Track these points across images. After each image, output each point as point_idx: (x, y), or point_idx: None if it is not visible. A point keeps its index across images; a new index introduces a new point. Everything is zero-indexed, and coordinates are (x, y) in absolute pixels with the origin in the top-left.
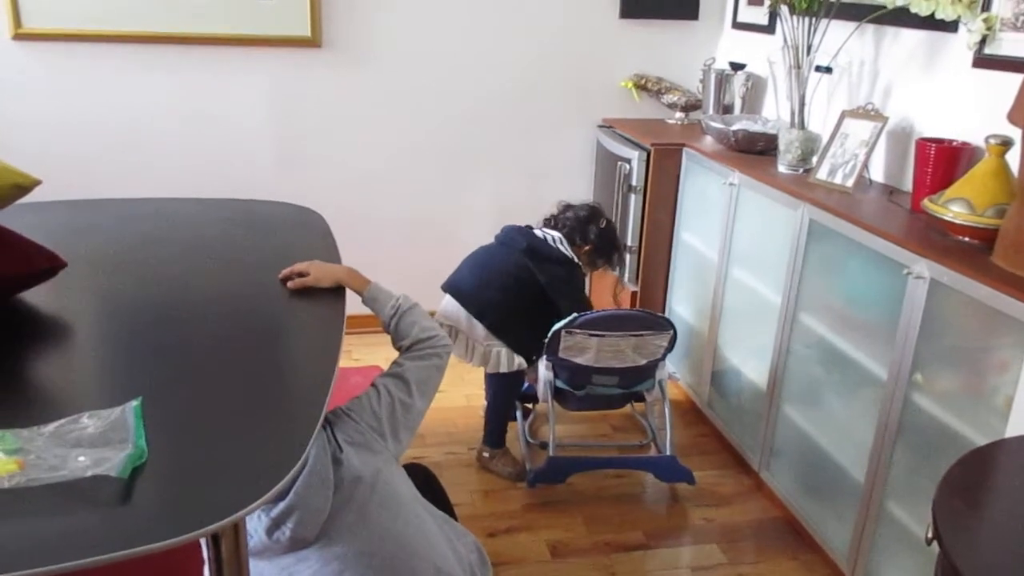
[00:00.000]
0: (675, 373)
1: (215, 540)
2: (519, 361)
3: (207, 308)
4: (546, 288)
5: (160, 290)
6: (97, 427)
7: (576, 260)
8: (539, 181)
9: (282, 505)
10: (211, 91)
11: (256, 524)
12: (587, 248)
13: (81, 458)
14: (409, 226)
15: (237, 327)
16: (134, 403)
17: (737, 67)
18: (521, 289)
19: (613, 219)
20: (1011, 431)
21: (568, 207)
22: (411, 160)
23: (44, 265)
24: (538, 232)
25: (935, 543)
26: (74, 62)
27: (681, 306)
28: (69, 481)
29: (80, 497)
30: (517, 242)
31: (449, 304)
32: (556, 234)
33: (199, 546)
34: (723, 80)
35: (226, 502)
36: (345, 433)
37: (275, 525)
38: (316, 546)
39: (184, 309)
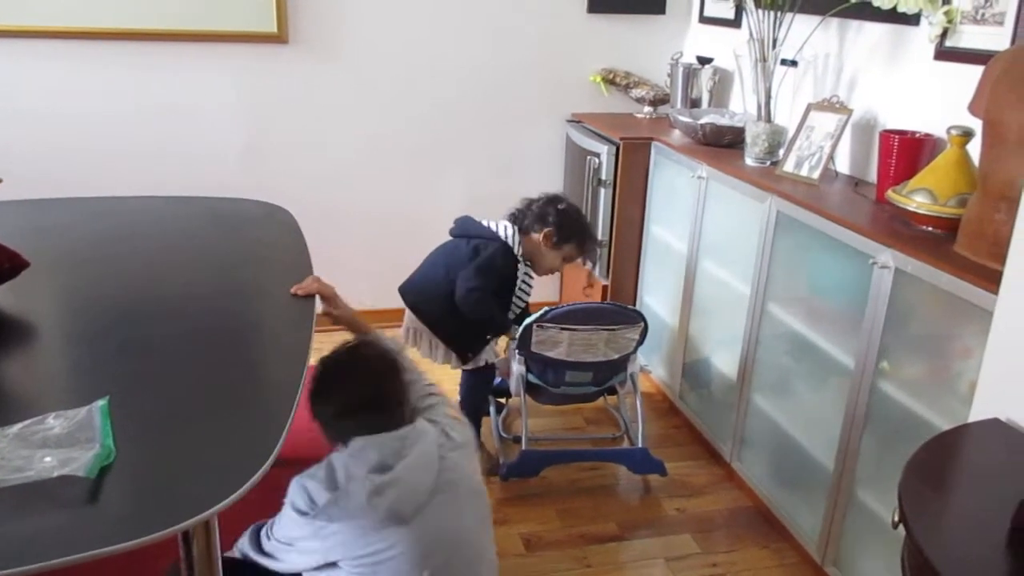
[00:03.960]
0: (647, 366)
1: (186, 538)
2: (486, 358)
3: (174, 306)
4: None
5: (126, 288)
6: (63, 427)
7: (503, 239)
8: (509, 176)
9: (387, 476)
10: (177, 88)
11: (359, 486)
12: (548, 231)
13: (47, 459)
14: (379, 221)
15: (206, 325)
16: (101, 402)
17: (704, 61)
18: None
19: (584, 213)
20: (974, 416)
21: (531, 201)
22: (380, 155)
23: (5, 265)
24: (484, 220)
25: (901, 526)
26: (36, 59)
27: (652, 299)
28: (35, 482)
29: (47, 498)
30: (457, 228)
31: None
32: (504, 222)
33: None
34: (690, 74)
35: (196, 500)
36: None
37: (377, 492)
38: (407, 527)
39: (151, 307)
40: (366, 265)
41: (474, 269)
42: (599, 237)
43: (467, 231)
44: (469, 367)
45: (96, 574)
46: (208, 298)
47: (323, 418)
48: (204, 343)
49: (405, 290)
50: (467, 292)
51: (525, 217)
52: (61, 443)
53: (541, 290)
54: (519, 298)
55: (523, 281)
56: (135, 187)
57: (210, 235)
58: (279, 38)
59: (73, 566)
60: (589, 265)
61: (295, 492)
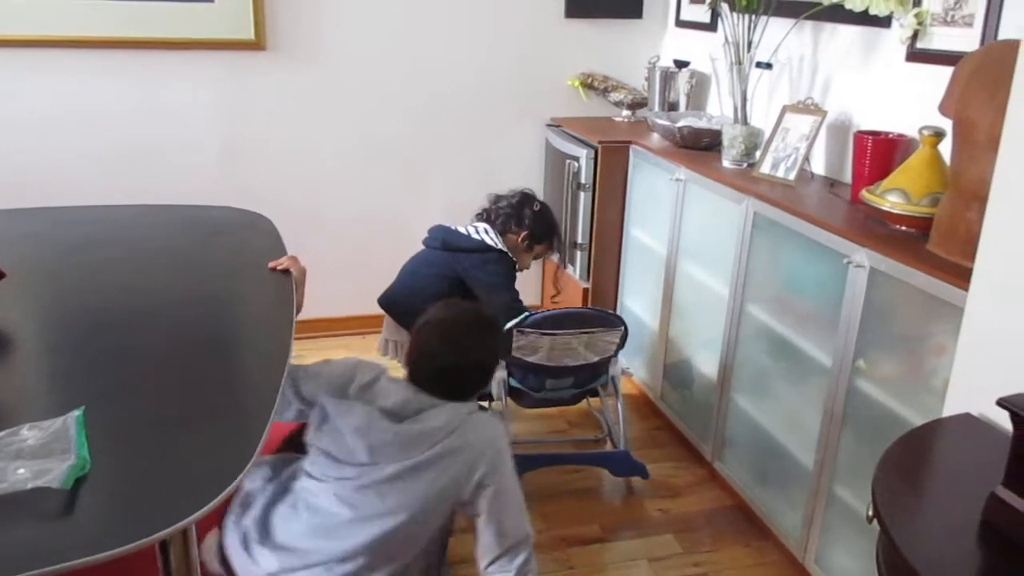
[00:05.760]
0: (628, 368)
1: (164, 548)
2: None
3: (152, 316)
4: (464, 279)
5: (103, 298)
6: (38, 439)
7: (499, 247)
8: (490, 181)
9: (391, 427)
10: (154, 96)
11: (359, 412)
12: (524, 234)
13: (21, 471)
14: (360, 228)
15: (184, 334)
16: (76, 413)
17: (681, 64)
18: (450, 289)
19: (563, 217)
20: (947, 411)
21: (499, 198)
22: (361, 162)
23: None
24: (461, 227)
25: (876, 521)
26: (11, 68)
27: (633, 302)
28: (9, 494)
29: (21, 510)
30: (435, 240)
31: (389, 318)
32: (483, 225)
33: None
34: (668, 77)
35: (173, 509)
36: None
37: (368, 427)
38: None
39: (129, 317)
40: (347, 271)
41: (504, 288)
42: (579, 241)
43: (451, 244)
44: None
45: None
46: (186, 307)
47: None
48: (182, 352)
49: (388, 303)
50: (515, 305)
51: (498, 216)
52: (36, 454)
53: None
54: None
55: None
56: (113, 195)
57: (189, 243)
58: (257, 45)
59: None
60: (556, 257)
61: (351, 362)
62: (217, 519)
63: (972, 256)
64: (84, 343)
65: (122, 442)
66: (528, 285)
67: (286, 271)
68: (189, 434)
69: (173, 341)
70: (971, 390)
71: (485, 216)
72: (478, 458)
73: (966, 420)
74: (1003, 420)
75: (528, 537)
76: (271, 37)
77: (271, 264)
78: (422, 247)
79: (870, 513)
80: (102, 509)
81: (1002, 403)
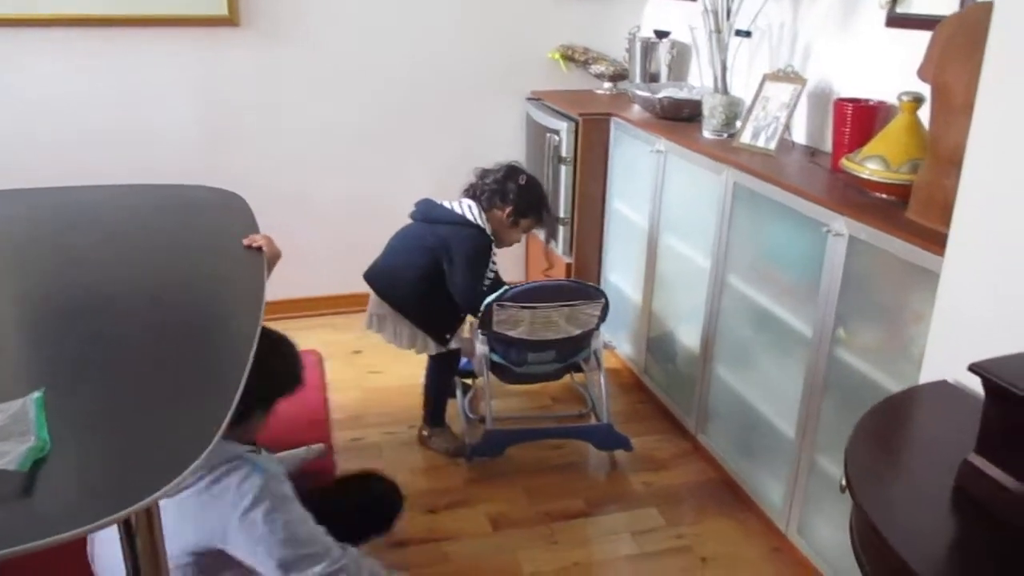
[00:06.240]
0: (611, 342)
1: (127, 527)
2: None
3: (120, 296)
4: (436, 252)
5: (74, 280)
6: None
7: (477, 223)
8: (471, 156)
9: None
10: (127, 74)
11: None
12: (509, 209)
13: None
14: (340, 206)
15: (152, 314)
16: (36, 394)
17: (661, 35)
18: (433, 261)
19: (545, 190)
20: (923, 379)
21: (486, 172)
22: (339, 139)
23: None
24: (446, 202)
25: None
26: None
27: (616, 275)
28: None
29: None
30: (419, 214)
31: (374, 293)
32: (467, 202)
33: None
34: (648, 48)
35: (137, 487)
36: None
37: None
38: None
39: (98, 298)
40: (328, 250)
41: (466, 266)
42: (561, 215)
43: (431, 216)
44: (432, 352)
45: (36, 570)
46: (156, 287)
47: None
48: (150, 333)
49: (372, 278)
50: (470, 293)
51: (483, 192)
52: None
53: (507, 269)
54: (488, 274)
55: (492, 258)
56: (85, 176)
57: (159, 224)
58: (230, 21)
59: (6, 562)
60: (542, 235)
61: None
62: None
63: (950, 223)
64: (51, 326)
65: (85, 424)
66: (514, 261)
67: (259, 248)
68: (153, 415)
69: (142, 323)
70: (947, 357)
71: (471, 192)
72: (232, 511)
73: (941, 387)
74: (978, 387)
75: (328, 550)
76: (244, 13)
77: (245, 241)
78: (408, 222)
79: (843, 483)
80: (62, 490)
81: (974, 369)
